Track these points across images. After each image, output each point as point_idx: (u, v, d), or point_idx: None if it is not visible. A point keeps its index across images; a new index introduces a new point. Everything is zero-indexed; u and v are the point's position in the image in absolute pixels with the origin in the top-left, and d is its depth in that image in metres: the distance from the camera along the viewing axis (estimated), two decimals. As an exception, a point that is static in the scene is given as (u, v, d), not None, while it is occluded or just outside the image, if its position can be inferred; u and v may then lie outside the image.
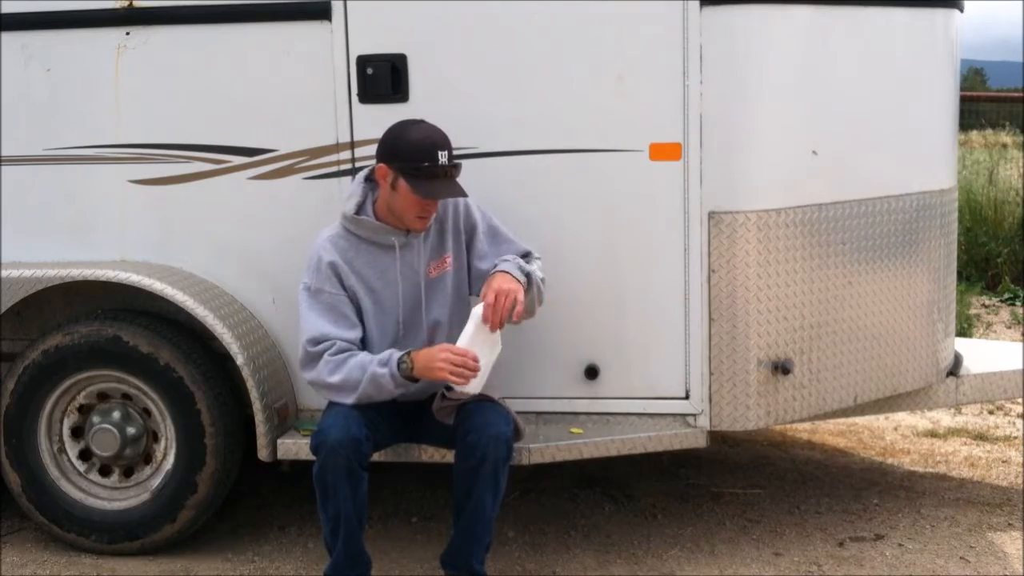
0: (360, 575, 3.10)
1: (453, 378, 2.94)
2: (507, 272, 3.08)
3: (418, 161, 3.02)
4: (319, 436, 3.00)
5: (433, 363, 2.96)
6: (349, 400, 3.04)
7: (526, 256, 3.24)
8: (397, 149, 3.07)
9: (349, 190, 3.23)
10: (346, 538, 3.03)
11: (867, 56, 3.50)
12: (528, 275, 3.12)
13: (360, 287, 3.13)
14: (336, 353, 3.04)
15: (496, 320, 2.98)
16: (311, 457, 3.11)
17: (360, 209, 3.15)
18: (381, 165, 3.11)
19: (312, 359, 3.07)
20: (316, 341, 3.07)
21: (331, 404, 3.16)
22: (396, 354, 3.01)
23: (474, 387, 3.02)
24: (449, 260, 3.21)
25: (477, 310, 3.03)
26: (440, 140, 3.06)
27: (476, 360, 2.96)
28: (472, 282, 3.26)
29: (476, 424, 3.02)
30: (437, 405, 3.12)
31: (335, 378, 3.03)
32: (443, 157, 3.02)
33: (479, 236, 3.24)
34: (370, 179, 3.19)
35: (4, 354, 3.73)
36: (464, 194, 3.09)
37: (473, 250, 3.24)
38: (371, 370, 2.98)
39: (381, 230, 3.13)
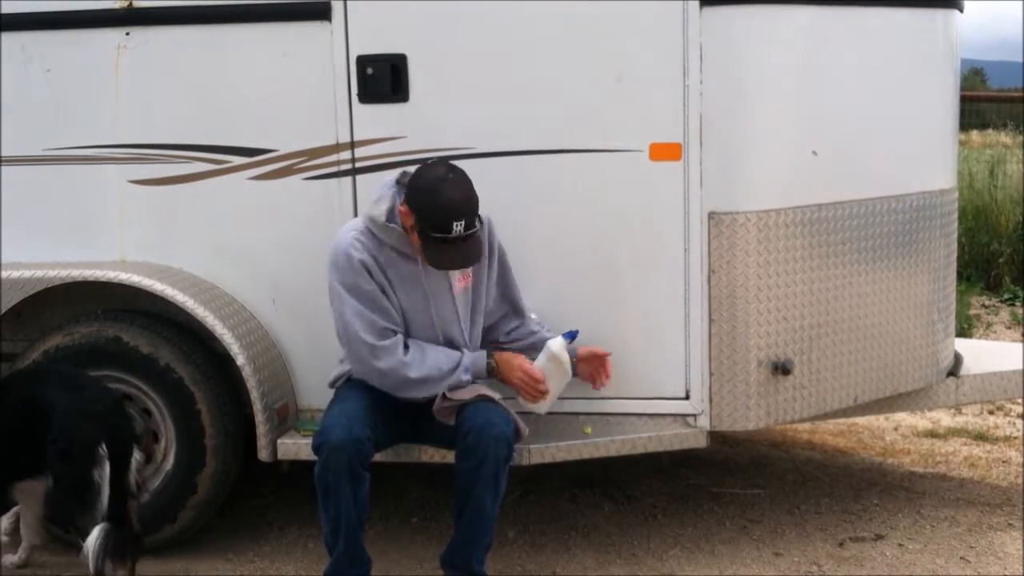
0: (360, 575, 3.10)
1: (523, 393, 3.20)
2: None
3: (434, 228, 2.98)
4: (321, 436, 3.00)
5: (512, 372, 3.18)
6: (421, 393, 3.10)
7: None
8: (421, 203, 3.01)
9: (377, 192, 3.17)
10: (347, 538, 3.03)
11: (867, 56, 3.50)
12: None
13: (387, 286, 3.13)
14: (407, 347, 3.10)
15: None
16: (311, 457, 3.11)
17: (390, 216, 3.11)
18: (404, 206, 3.06)
19: (382, 352, 3.07)
20: (382, 334, 3.08)
21: (333, 403, 3.17)
22: (483, 359, 3.18)
23: (541, 408, 3.27)
24: (470, 277, 3.22)
25: (553, 344, 3.23)
26: (460, 208, 2.97)
27: (545, 387, 3.20)
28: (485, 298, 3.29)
29: (477, 424, 3.03)
30: (438, 405, 3.12)
31: (416, 373, 3.08)
32: (458, 227, 2.96)
33: (495, 259, 3.27)
34: (400, 182, 3.16)
35: (4, 354, 3.73)
36: (476, 261, 3.11)
37: (492, 269, 3.26)
38: (456, 376, 3.12)
39: (407, 241, 3.10)
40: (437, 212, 2.98)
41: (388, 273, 3.11)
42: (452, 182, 3.01)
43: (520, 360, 3.21)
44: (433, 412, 3.13)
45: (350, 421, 3.00)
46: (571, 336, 3.29)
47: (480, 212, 3.16)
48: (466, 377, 3.14)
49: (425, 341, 3.17)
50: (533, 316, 3.39)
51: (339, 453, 2.95)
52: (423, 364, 3.10)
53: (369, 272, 3.09)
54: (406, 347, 3.13)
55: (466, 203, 3.01)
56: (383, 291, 3.12)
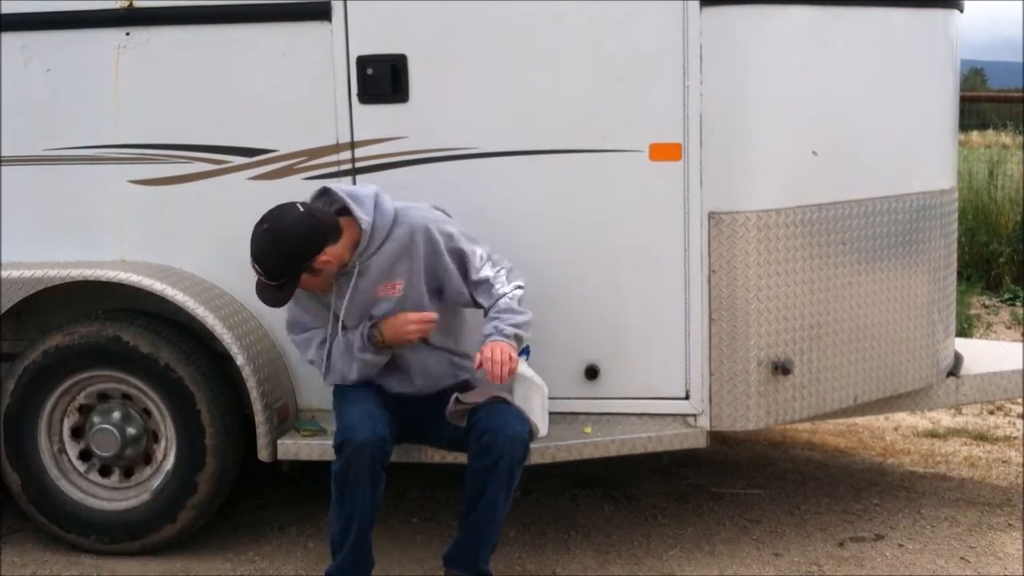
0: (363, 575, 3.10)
1: (420, 333, 3.14)
2: (499, 341, 3.05)
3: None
4: (343, 434, 3.00)
5: (405, 327, 3.13)
6: (333, 378, 3.22)
7: (500, 273, 3.18)
8: None
9: None
10: (357, 538, 3.03)
11: (867, 56, 3.50)
12: (517, 336, 3.10)
13: (306, 303, 3.23)
14: (303, 332, 3.26)
15: (499, 377, 3.01)
16: (311, 457, 3.11)
17: None
18: None
19: (298, 345, 3.29)
20: (288, 327, 3.28)
21: (344, 403, 3.17)
22: (365, 330, 3.15)
23: (541, 429, 3.22)
24: (399, 287, 3.16)
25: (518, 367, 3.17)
26: (255, 256, 3.03)
27: (433, 320, 3.16)
28: (448, 298, 3.22)
29: (492, 425, 3.03)
30: (451, 408, 3.12)
31: (310, 354, 3.24)
32: (258, 268, 3.03)
33: (444, 264, 3.15)
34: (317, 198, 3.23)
35: (4, 354, 3.73)
36: (272, 305, 3.14)
37: (441, 273, 3.17)
38: (353, 358, 3.16)
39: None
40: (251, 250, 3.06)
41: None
42: (264, 231, 3.02)
43: (404, 314, 3.14)
44: (446, 414, 3.13)
45: (372, 420, 3.01)
46: (525, 352, 3.27)
47: (419, 225, 3.12)
48: (363, 356, 3.15)
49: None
50: (499, 289, 3.18)
51: (362, 451, 2.95)
52: (309, 346, 3.25)
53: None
54: (323, 343, 3.22)
55: (259, 254, 3.02)
56: (310, 298, 3.20)
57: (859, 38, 3.48)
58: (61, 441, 3.63)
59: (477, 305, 3.20)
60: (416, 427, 3.25)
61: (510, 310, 3.11)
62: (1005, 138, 11.84)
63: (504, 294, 3.14)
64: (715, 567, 3.48)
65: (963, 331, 6.28)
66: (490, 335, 3.07)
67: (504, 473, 3.01)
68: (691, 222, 3.37)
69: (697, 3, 3.25)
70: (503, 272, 3.18)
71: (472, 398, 3.12)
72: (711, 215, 3.35)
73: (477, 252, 3.17)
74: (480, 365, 3.02)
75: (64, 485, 3.62)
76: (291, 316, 3.27)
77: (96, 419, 3.58)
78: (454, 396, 3.13)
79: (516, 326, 3.09)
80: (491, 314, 3.13)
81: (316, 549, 3.62)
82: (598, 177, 3.37)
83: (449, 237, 3.15)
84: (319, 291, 3.15)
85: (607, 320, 3.45)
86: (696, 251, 3.38)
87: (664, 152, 3.34)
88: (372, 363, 3.17)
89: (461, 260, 3.17)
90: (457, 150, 3.37)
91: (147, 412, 3.57)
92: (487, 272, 3.16)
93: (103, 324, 3.52)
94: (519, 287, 3.17)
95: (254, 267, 3.05)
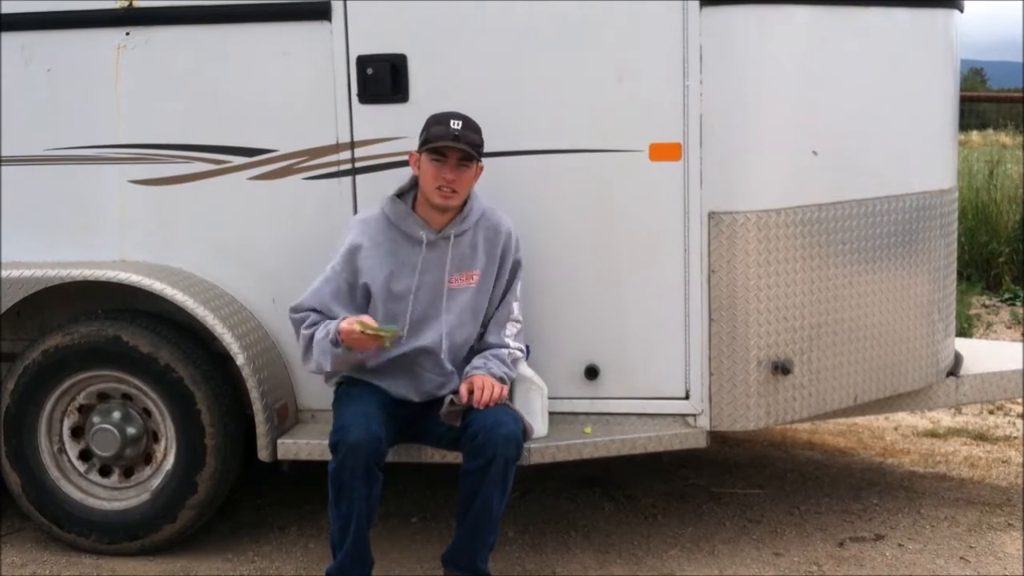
0: (363, 575, 3.10)
1: (349, 342, 3.03)
2: (487, 376, 3.14)
3: (430, 126, 3.11)
4: (338, 434, 3.01)
5: (352, 326, 3.03)
6: (311, 366, 3.18)
7: (510, 322, 3.27)
8: (425, 125, 3.16)
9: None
10: (355, 538, 3.03)
11: (867, 56, 3.50)
12: (501, 380, 3.18)
13: (379, 271, 3.16)
14: (309, 326, 3.17)
15: (485, 403, 3.07)
16: (311, 457, 3.09)
17: (402, 195, 3.22)
18: (412, 153, 3.19)
19: (293, 324, 3.23)
20: (295, 309, 3.20)
21: (342, 403, 3.18)
22: (334, 326, 3.08)
23: (541, 430, 3.33)
24: (476, 278, 3.22)
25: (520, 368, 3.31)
26: (458, 115, 3.13)
27: (364, 327, 3.01)
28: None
29: (485, 424, 3.03)
30: (445, 410, 3.13)
31: (300, 343, 3.19)
32: (455, 124, 3.09)
33: (507, 268, 3.27)
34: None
35: (4, 354, 3.73)
36: (467, 147, 3.09)
37: (500, 275, 3.26)
38: (317, 336, 3.12)
39: (413, 221, 3.18)
40: (434, 118, 3.14)
41: (385, 258, 3.16)
42: (453, 111, 3.16)
43: (354, 317, 3.10)
44: (440, 415, 3.13)
45: (367, 419, 3.02)
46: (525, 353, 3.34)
47: (506, 225, 3.25)
48: (321, 336, 3.11)
49: (396, 318, 3.18)
50: (505, 349, 3.26)
51: (357, 452, 2.96)
52: (301, 336, 3.20)
53: (355, 256, 3.17)
54: (310, 325, 3.17)
55: (464, 116, 3.13)
56: (372, 276, 3.16)
57: (859, 38, 3.48)
58: (61, 441, 3.63)
59: (482, 328, 3.28)
60: (414, 428, 3.25)
61: (504, 363, 3.22)
62: (1005, 138, 11.85)
63: (508, 346, 3.25)
64: (715, 567, 3.48)
65: (963, 331, 6.28)
66: (478, 368, 3.17)
67: (498, 472, 3.01)
68: (691, 222, 3.37)
69: (697, 3, 3.25)
70: (520, 324, 3.31)
71: (465, 400, 3.11)
72: (711, 215, 3.35)
73: (520, 285, 3.31)
74: (467, 399, 3.08)
75: (64, 485, 3.62)
76: (321, 293, 3.18)
77: (96, 419, 3.58)
78: (448, 397, 3.14)
79: (505, 375, 3.21)
80: (487, 354, 3.22)
81: (316, 549, 3.62)
82: (598, 177, 3.37)
83: (518, 249, 3.29)
84: (444, 205, 3.14)
85: (607, 320, 3.45)
86: (696, 251, 3.38)
87: (664, 152, 3.34)
88: (342, 359, 3.14)
89: (512, 276, 3.29)
90: (457, 150, 3.37)
91: (147, 412, 3.57)
92: (515, 309, 3.29)
93: (103, 324, 3.52)
94: (521, 350, 3.29)
95: (453, 122, 3.09)
